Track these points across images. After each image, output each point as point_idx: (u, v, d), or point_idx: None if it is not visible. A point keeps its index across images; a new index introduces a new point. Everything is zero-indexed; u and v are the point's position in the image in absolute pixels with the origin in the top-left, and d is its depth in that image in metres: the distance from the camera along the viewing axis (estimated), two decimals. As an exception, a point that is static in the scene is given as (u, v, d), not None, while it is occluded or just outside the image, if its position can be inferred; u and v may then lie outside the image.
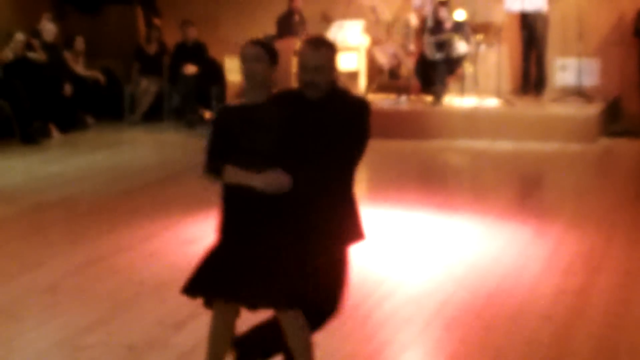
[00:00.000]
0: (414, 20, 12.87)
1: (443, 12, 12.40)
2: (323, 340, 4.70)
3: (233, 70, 14.02)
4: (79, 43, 13.86)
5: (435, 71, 12.42)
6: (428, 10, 12.83)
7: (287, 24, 13.10)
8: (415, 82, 12.97)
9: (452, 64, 12.42)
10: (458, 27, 12.36)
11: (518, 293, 6.00)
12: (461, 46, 12.26)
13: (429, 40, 12.45)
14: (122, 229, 7.75)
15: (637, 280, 6.22)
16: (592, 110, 12.00)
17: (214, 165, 4.06)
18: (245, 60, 4.05)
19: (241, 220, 4.06)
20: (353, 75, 12.85)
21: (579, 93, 12.48)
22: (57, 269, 6.71)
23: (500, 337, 5.24)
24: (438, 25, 12.46)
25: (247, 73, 4.06)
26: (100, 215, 8.39)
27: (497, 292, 6.03)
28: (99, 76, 13.93)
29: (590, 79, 12.80)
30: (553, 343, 5.15)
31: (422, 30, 12.89)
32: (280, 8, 13.31)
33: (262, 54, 4.05)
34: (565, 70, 12.96)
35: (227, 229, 4.11)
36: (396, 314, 5.64)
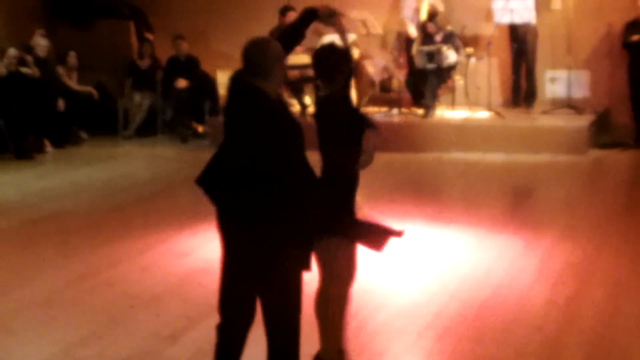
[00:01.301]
0: (413, 31, 12.89)
1: (431, 27, 12.47)
2: (314, 350, 4.75)
3: (225, 84, 14.06)
4: (72, 58, 13.92)
5: (426, 82, 12.49)
6: (415, 22, 12.92)
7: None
8: (406, 95, 13.03)
9: (443, 74, 12.46)
10: (447, 39, 12.43)
11: (509, 304, 6.06)
12: (451, 55, 12.31)
13: (419, 50, 12.51)
14: (116, 243, 7.79)
15: (627, 291, 6.28)
16: (582, 122, 12.07)
17: None
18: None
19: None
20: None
21: (569, 105, 12.54)
22: (52, 283, 6.75)
23: (491, 348, 5.29)
24: (428, 38, 12.53)
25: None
26: (94, 229, 8.42)
27: (488, 303, 6.09)
28: (93, 91, 13.99)
29: (580, 91, 12.87)
30: (544, 353, 5.20)
31: (411, 42, 12.95)
32: (271, 22, 13.34)
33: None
34: (555, 82, 13.04)
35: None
36: (389, 324, 5.69)
